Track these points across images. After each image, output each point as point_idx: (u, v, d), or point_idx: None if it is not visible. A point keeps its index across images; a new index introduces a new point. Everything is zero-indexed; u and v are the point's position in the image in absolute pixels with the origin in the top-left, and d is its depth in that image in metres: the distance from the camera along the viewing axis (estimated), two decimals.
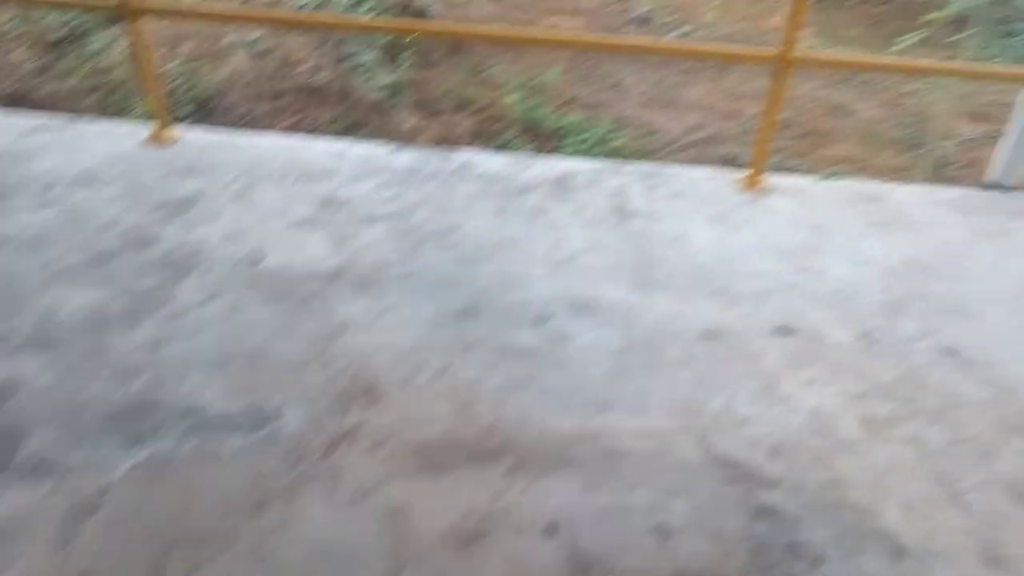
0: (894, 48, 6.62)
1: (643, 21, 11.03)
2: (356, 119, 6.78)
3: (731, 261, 2.54)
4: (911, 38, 6.25)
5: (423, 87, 7.70)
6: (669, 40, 2.89)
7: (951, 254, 2.65)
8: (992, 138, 9.16)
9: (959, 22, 6.09)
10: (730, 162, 7.53)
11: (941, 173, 8.05)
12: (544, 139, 7.32)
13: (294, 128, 6.64)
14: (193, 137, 3.15)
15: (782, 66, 2.81)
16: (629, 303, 2.29)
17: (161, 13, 3.94)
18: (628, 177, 3.03)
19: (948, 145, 8.78)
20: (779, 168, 7.41)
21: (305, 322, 2.05)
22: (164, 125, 3.07)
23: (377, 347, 1.98)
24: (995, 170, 3.17)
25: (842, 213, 2.88)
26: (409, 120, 7.01)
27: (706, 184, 3.02)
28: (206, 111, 6.59)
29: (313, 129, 6.68)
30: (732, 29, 11.46)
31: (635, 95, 8.72)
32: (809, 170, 7.44)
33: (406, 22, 4.05)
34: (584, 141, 7.29)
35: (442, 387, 1.89)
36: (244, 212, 2.63)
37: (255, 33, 6.95)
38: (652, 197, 2.90)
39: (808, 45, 11.09)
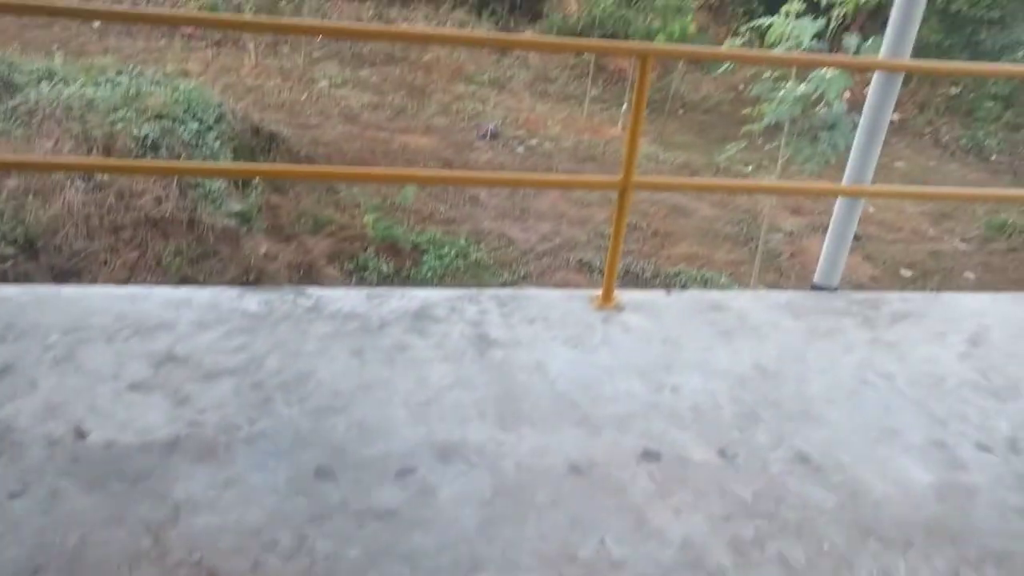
0: (722, 156, 7.25)
1: (493, 136, 11.57)
2: (204, 249, 6.52)
3: (591, 386, 2.57)
4: (734, 147, 6.90)
5: (276, 211, 7.56)
6: (523, 174, 3.02)
7: (792, 358, 2.82)
8: (810, 229, 10.19)
9: (773, 130, 6.83)
10: (585, 266, 7.85)
11: (771, 264, 8.78)
12: (403, 256, 7.34)
13: (136, 264, 6.27)
14: (9, 294, 2.86)
15: (625, 191, 2.95)
16: (495, 442, 2.23)
17: None
18: (486, 303, 3.03)
19: (776, 238, 9.61)
20: (629, 271, 7.83)
21: (136, 507, 1.83)
22: None
23: (221, 528, 1.79)
24: (820, 273, 3.45)
25: (690, 325, 3.01)
26: (262, 246, 6.82)
27: (562, 305, 3.07)
28: (32, 251, 6.11)
29: (158, 262, 6.34)
30: (576, 140, 12.24)
31: (490, 208, 9.00)
32: (656, 271, 7.88)
33: (256, 166, 3.96)
34: (443, 256, 7.37)
35: (297, 567, 1.72)
36: (66, 379, 2.37)
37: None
38: (510, 323, 2.90)
39: (645, 153, 12.01)
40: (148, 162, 4.85)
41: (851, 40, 6.09)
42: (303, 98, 11.89)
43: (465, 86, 13.82)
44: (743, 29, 6.57)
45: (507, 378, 2.56)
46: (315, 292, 3.03)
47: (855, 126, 6.40)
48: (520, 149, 11.41)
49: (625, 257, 8.16)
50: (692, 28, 11.82)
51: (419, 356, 2.63)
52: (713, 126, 14.50)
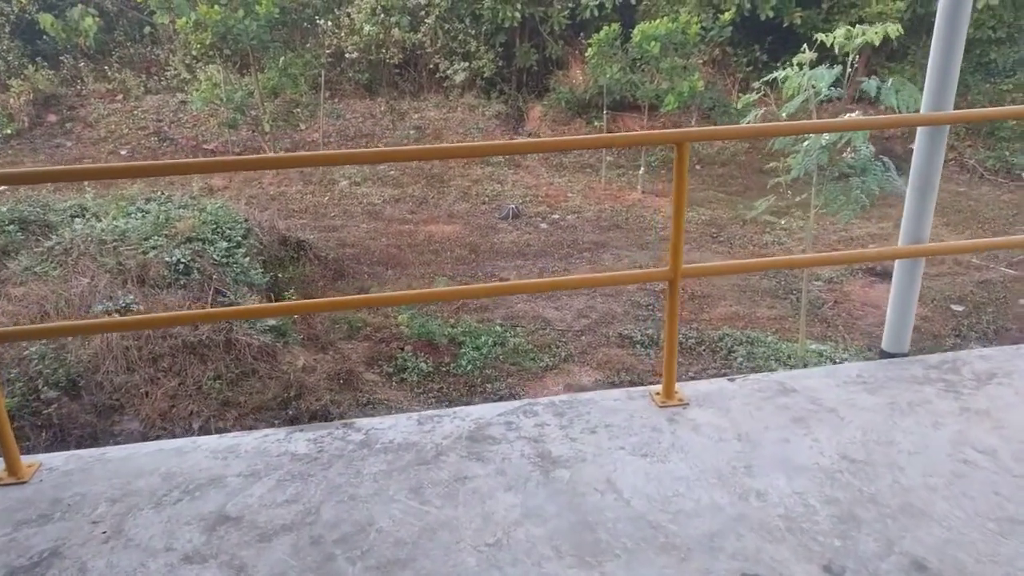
0: (753, 213, 7.11)
1: (515, 216, 11.60)
2: (243, 369, 6.48)
3: (669, 500, 2.38)
4: (763, 203, 6.77)
5: (310, 321, 7.55)
6: (564, 278, 2.94)
7: (878, 441, 2.61)
8: (849, 274, 9.93)
9: (800, 180, 6.72)
10: (626, 340, 7.67)
11: (815, 315, 8.51)
12: (441, 352, 7.23)
13: (177, 392, 6.23)
14: (55, 463, 2.78)
15: (674, 282, 2.82)
16: None
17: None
18: (543, 415, 2.88)
19: (815, 287, 9.34)
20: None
21: None
22: (14, 458, 2.70)
23: None
24: (888, 338, 3.25)
25: (761, 414, 2.82)
26: (299, 359, 6.77)
27: (622, 408, 2.90)
28: (75, 391, 6.11)
29: (198, 388, 6.30)
30: (598, 209, 12.23)
31: None
32: (700, 337, 7.66)
33: (297, 304, 3.90)
34: (480, 347, 7.25)
35: None
36: (117, 558, 2.25)
37: (127, 296, 6.68)
38: (571, 435, 2.74)
39: (667, 213, 11.93)
40: (185, 313, 4.83)
41: (870, 84, 6.02)
42: (325, 200, 12.09)
43: (481, 168, 13.99)
44: (756, 84, 6.53)
45: (578, 503, 2.39)
46: (364, 424, 2.90)
47: (886, 168, 6.28)
48: (544, 225, 11.41)
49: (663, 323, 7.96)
50: (700, 85, 11.91)
51: (481, 487, 2.48)
52: (732, 178, 14.45)
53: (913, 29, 15.44)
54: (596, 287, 6.64)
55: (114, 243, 7.06)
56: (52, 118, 14.57)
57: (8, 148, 13.80)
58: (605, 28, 12.34)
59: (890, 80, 6.02)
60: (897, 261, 3.22)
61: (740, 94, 16.63)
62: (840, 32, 6.23)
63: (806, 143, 6.20)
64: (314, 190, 12.44)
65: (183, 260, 6.90)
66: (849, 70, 6.19)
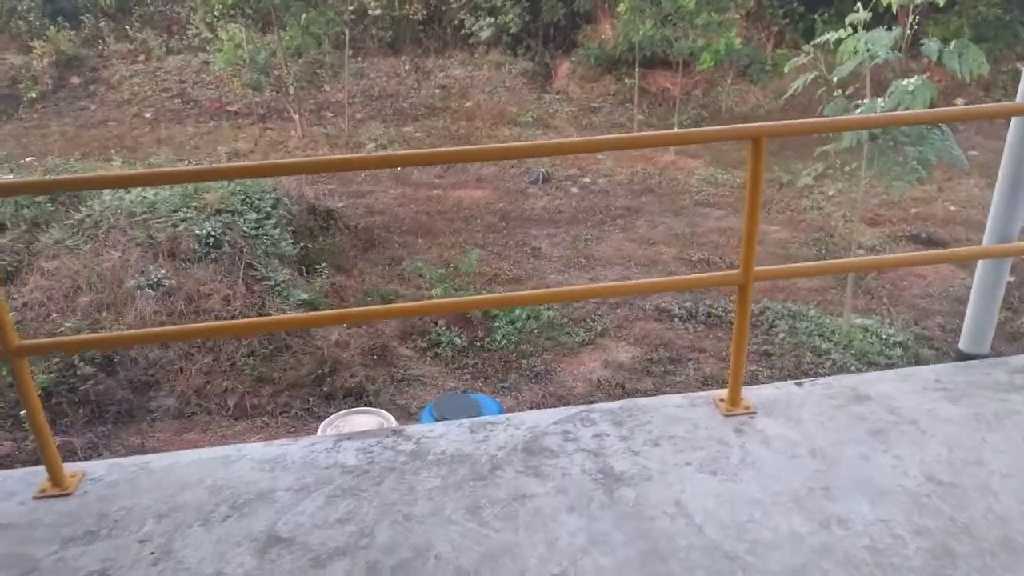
0: (799, 182, 6.81)
1: (544, 180, 11.35)
2: (276, 345, 6.41)
3: (745, 528, 2.23)
4: (810, 173, 6.48)
5: (342, 294, 7.45)
6: (625, 283, 2.81)
7: (966, 460, 2.43)
8: (892, 240, 9.59)
9: (849, 149, 6.42)
10: (664, 313, 7.48)
11: (859, 286, 8.22)
12: (474, 326, 7.11)
13: (211, 369, 6.18)
14: (98, 472, 2.70)
15: (746, 287, 2.63)
16: None
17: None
18: (601, 424, 2.73)
19: (857, 256, 9.00)
20: (711, 313, 7.38)
21: None
22: (57, 468, 2.61)
23: None
24: (966, 338, 3.04)
25: (836, 426, 2.64)
26: (333, 333, 6.68)
27: (685, 417, 2.74)
28: (110, 367, 6.08)
29: (232, 364, 6.25)
30: (630, 172, 11.92)
31: (554, 259, 8.74)
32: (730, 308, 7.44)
33: (340, 313, 3.70)
34: (514, 320, 7.11)
35: None
36: None
37: (159, 271, 6.60)
38: (634, 448, 2.59)
39: (703, 176, 11.61)
40: (221, 324, 4.70)
41: (930, 47, 5.65)
42: None
43: (509, 129, 13.67)
44: (807, 47, 6.18)
45: (647, 528, 2.25)
46: (414, 432, 2.78)
47: (944, 136, 5.95)
48: (575, 190, 11.15)
49: (704, 298, 7.77)
50: (737, 42, 11.44)
51: (543, 507, 2.35)
52: (768, 138, 13.99)
53: None
54: (662, 292, 6.36)
55: (144, 215, 6.97)
56: (75, 80, 14.43)
57: (33, 112, 13.72)
58: None
59: (953, 43, 5.65)
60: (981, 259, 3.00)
61: (776, 48, 16.03)
62: None
63: (859, 109, 5.88)
64: (340, 154, 12.23)
65: (213, 233, 6.79)
66: (908, 32, 5.82)
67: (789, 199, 10.65)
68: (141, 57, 15.18)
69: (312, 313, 5.12)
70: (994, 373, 2.91)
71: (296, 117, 12.90)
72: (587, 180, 11.53)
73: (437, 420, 4.78)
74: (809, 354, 6.67)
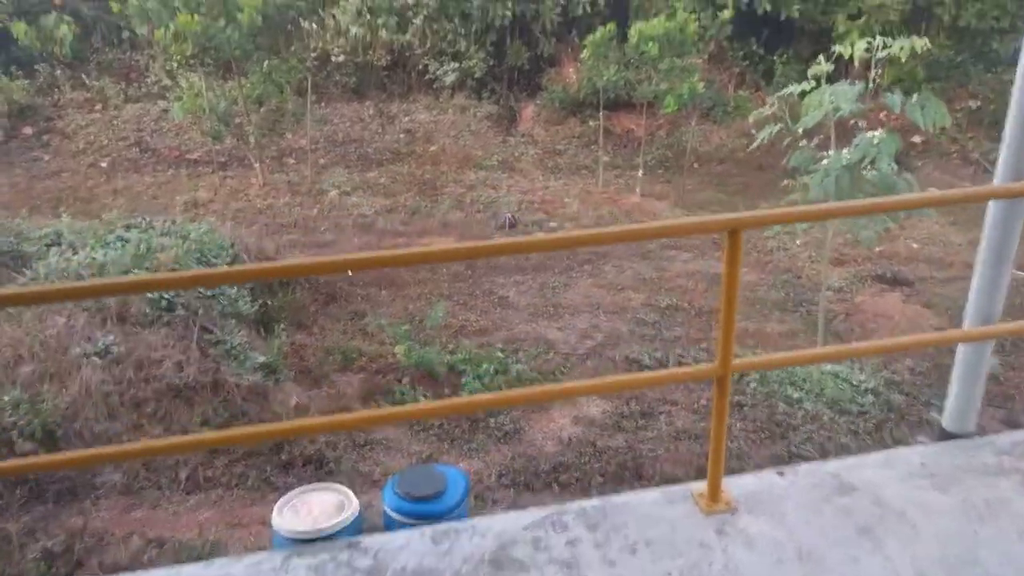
0: (766, 232, 6.75)
1: (511, 225, 11.24)
2: (232, 412, 6.12)
3: None
4: (776, 226, 6.42)
5: (302, 353, 7.19)
6: (599, 380, 2.64)
7: (961, 560, 2.28)
8: (858, 280, 9.61)
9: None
10: (633, 364, 7.34)
11: (828, 328, 8.16)
12: (440, 383, 6.89)
13: (160, 442, 5.86)
14: None
15: (724, 379, 2.47)
16: None
17: None
18: (574, 528, 2.53)
19: (824, 296, 8.95)
20: (682, 363, 7.23)
21: None
22: None
23: None
24: (951, 417, 2.92)
25: (820, 521, 2.48)
26: (292, 398, 6.42)
27: (663, 516, 2.56)
28: (52, 443, 5.73)
29: (185, 434, 5.93)
30: (596, 215, 11.88)
31: (521, 308, 8.57)
32: (709, 354, 7.32)
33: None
34: (481, 376, 6.91)
35: None
36: None
37: (107, 338, 6.29)
38: (609, 557, 2.40)
39: (668, 216, 11.59)
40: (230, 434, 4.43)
41: (893, 99, 5.67)
42: (315, 212, 11.69)
43: (475, 173, 13.60)
44: (771, 99, 6.18)
45: None
46: (371, 544, 2.55)
47: (910, 186, 5.95)
48: (539, 234, 11.04)
49: (674, 345, 7.65)
50: (700, 87, 11.55)
51: None
52: (730, 176, 14.11)
53: (912, 21, 15.10)
54: (637, 387, 6.21)
55: (91, 278, 6.66)
56: (28, 130, 14.08)
57: None
58: (600, 28, 11.94)
59: (915, 96, 5.67)
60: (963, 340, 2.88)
61: (737, 89, 16.27)
62: (860, 45, 5.88)
63: (825, 161, 5.86)
64: (302, 201, 12.03)
65: (166, 296, 6.51)
66: (871, 86, 5.84)
67: (756, 240, 10.66)
68: (98, 106, 14.89)
69: (307, 421, 4.80)
70: (980, 455, 2.78)
71: (257, 165, 12.69)
72: (554, 224, 11.45)
73: (400, 496, 4.53)
74: (782, 404, 6.55)
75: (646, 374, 2.94)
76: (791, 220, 2.49)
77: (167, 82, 14.61)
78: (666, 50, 11.48)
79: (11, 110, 14.01)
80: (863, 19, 14.63)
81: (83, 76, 15.37)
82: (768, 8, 14.98)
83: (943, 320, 8.33)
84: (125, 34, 15.90)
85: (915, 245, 10.73)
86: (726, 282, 2.44)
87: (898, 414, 6.35)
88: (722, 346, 2.52)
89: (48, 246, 7.56)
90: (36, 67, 15.15)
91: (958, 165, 14.16)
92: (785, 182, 6.79)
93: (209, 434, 3.54)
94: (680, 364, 7.23)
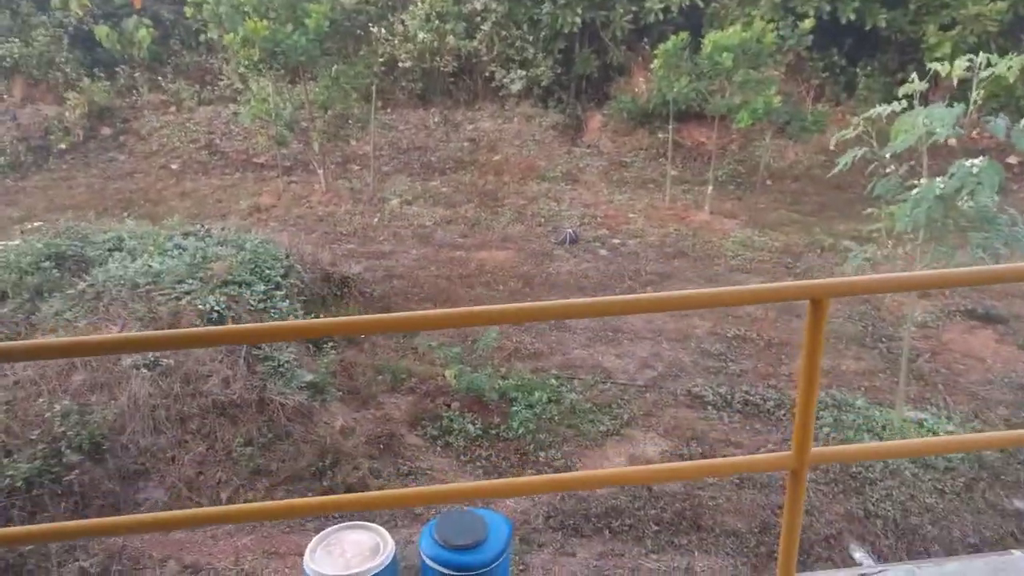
0: (849, 265, 6.24)
1: (572, 241, 10.90)
2: (276, 432, 5.98)
3: None
4: (859, 256, 5.88)
5: (351, 371, 7.03)
6: (683, 465, 2.32)
7: None
8: (946, 316, 8.89)
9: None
10: (697, 400, 6.92)
11: (911, 368, 7.51)
12: (490, 411, 6.62)
13: (205, 458, 5.77)
14: None
15: (800, 471, 2.09)
16: None
17: None
18: None
19: (908, 332, 8.32)
20: (748, 401, 6.72)
21: None
22: None
23: None
24: None
25: None
26: (337, 419, 6.25)
27: None
28: (98, 455, 5.71)
29: (227, 454, 5.83)
30: (662, 232, 11.42)
31: (579, 331, 8.23)
32: (780, 399, 6.85)
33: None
34: (533, 404, 6.61)
35: None
36: None
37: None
38: None
39: (739, 239, 11.05)
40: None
41: (997, 125, 5.11)
42: (375, 221, 11.61)
43: (538, 184, 13.31)
44: (856, 119, 5.68)
45: None
46: None
47: (1013, 220, 5.36)
48: (603, 252, 10.68)
49: (740, 380, 7.19)
50: (776, 100, 10.97)
51: None
52: (806, 195, 13.42)
53: (1013, 32, 14.09)
54: (706, 476, 5.47)
55: (147, 287, 6.66)
56: (106, 131, 14.49)
57: (62, 163, 13.76)
58: (672, 38, 11.48)
59: (1022, 121, 5.10)
60: None
61: (816, 102, 15.49)
62: (960, 62, 5.33)
63: (916, 191, 5.34)
64: (363, 210, 11.97)
65: (216, 308, 6.44)
66: (972, 108, 5.29)
67: (831, 266, 10.04)
68: (172, 108, 15.23)
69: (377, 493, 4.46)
70: None
71: (320, 171, 12.70)
72: (616, 241, 11.06)
73: (438, 544, 4.27)
74: None
75: (714, 461, 2.56)
76: (886, 290, 2.10)
77: (239, 86, 14.82)
78: (741, 61, 10.95)
79: (91, 111, 14.43)
80: (956, 30, 13.71)
81: (160, 79, 15.75)
82: (852, 17, 14.21)
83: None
84: (202, 37, 16.24)
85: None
86: (806, 358, 2.07)
87: (992, 473, 5.75)
88: (799, 433, 2.14)
89: (110, 251, 7.62)
90: (116, 69, 15.60)
91: None
92: (869, 210, 6.26)
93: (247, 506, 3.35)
94: (747, 402, 6.77)
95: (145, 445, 5.85)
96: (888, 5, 14.53)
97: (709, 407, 6.70)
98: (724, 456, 6.09)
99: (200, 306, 6.46)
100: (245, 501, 5.65)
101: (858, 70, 15.40)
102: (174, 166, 13.76)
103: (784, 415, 6.58)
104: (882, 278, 2.24)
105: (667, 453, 6.08)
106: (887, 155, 5.65)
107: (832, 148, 6.24)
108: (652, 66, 12.50)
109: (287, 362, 6.36)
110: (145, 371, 6.06)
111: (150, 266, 6.91)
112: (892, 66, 15.57)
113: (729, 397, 6.83)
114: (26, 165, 13.58)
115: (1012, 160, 13.50)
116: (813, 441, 2.16)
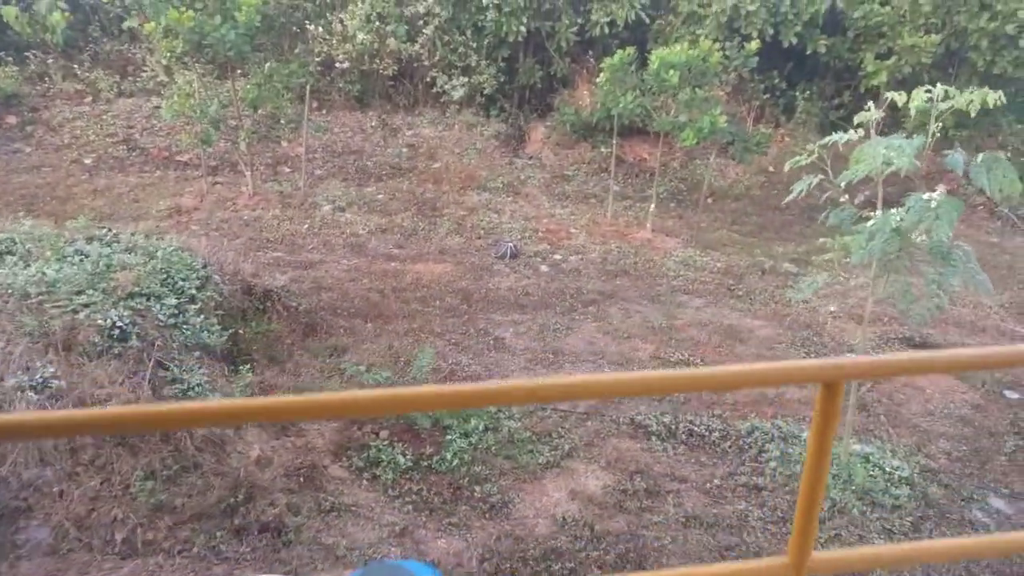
0: (797, 295, 6.04)
1: (512, 256, 10.53)
2: (183, 463, 5.37)
3: None
4: (810, 286, 5.68)
5: (268, 393, 6.43)
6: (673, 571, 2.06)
7: None
8: (885, 343, 8.89)
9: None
10: (640, 429, 6.61)
11: (857, 399, 7.41)
12: (422, 440, 6.15)
13: (99, 493, 5.11)
14: None
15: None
16: None
17: None
18: None
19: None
20: (692, 431, 6.43)
21: None
22: None
23: None
24: None
25: None
26: (254, 448, 5.68)
27: None
28: None
29: (125, 488, 5.19)
30: (603, 249, 11.17)
31: (518, 352, 7.85)
32: (724, 430, 6.61)
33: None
34: (469, 433, 6.18)
35: None
36: None
37: (47, 369, 5.56)
38: None
39: (681, 259, 10.89)
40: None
41: (955, 159, 4.99)
42: (304, 228, 10.98)
43: (478, 194, 12.91)
44: (811, 147, 5.49)
45: None
46: None
47: (967, 257, 5.25)
48: (544, 268, 10.34)
49: (684, 408, 6.93)
50: (721, 120, 10.87)
51: None
52: (746, 215, 13.43)
53: (941, 65, 14.49)
54: None
55: (39, 297, 5.94)
56: (11, 120, 13.38)
57: None
58: (619, 52, 11.29)
59: (980, 156, 5.00)
60: None
61: (756, 123, 15.61)
62: (919, 94, 5.20)
63: (872, 223, 5.16)
64: (293, 215, 11.32)
65: (120, 324, 5.79)
66: (929, 141, 5.16)
67: (772, 288, 9.97)
68: (88, 98, 14.21)
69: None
70: None
71: (248, 172, 11.98)
72: (558, 257, 10.75)
73: None
74: None
75: (703, 567, 2.16)
76: (897, 373, 1.76)
77: (163, 78, 13.92)
78: (687, 79, 10.82)
79: None
80: (892, 59, 14.01)
81: (76, 67, 14.69)
82: (794, 40, 14.36)
83: (977, 395, 7.61)
84: (124, 24, 15.23)
85: (947, 305, 10.02)
86: (814, 446, 1.71)
87: (937, 512, 5.61)
88: (799, 532, 1.79)
89: (1, 255, 6.83)
90: (27, 54, 14.47)
91: (984, 218, 13.51)
92: (822, 240, 6.09)
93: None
94: (691, 433, 6.50)
95: (28, 478, 5.15)
96: (828, 32, 14.76)
97: (653, 437, 6.40)
98: (666, 493, 5.80)
99: (100, 321, 5.79)
100: (144, 542, 5.04)
101: (797, 93, 15.60)
102: (87, 161, 12.78)
103: (730, 447, 6.34)
104: (893, 360, 1.91)
105: (609, 488, 5.74)
106: (841, 184, 5.47)
107: (785, 170, 6.05)
108: (597, 79, 12.28)
109: (198, 384, 5.76)
110: (32, 394, 5.36)
111: (44, 273, 6.18)
112: (829, 91, 15.85)
113: (673, 427, 6.55)
114: None
115: (941, 188, 13.79)
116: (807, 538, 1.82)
